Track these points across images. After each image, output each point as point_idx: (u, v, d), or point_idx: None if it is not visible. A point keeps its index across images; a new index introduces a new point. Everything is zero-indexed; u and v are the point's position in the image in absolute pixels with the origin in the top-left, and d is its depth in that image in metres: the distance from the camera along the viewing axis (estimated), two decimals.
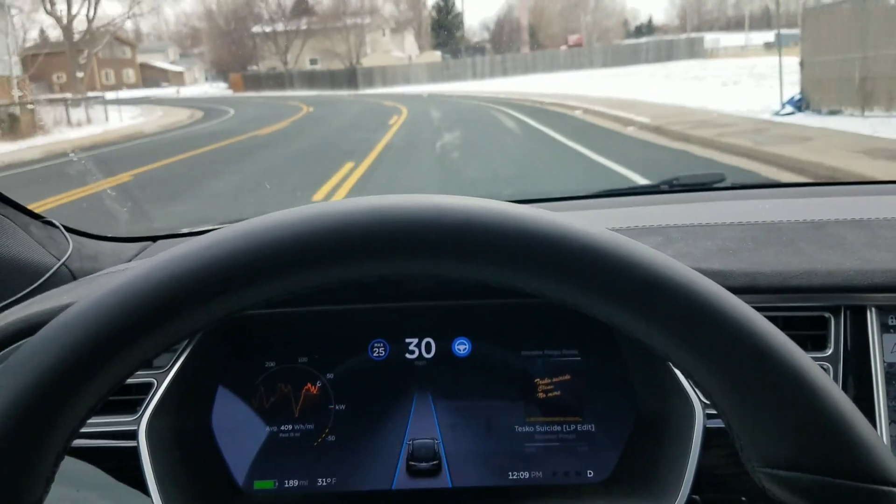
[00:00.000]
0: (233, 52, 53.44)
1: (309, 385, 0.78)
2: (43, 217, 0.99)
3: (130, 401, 0.72)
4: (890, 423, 0.70)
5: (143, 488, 0.64)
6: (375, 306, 0.78)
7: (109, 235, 1.09)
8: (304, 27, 51.12)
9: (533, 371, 0.79)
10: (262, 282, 0.36)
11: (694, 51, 40.94)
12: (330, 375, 0.79)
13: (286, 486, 0.75)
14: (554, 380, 0.78)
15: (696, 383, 0.35)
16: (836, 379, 0.71)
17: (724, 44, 43.22)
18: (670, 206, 1.08)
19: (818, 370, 0.34)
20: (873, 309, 0.73)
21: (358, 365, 0.79)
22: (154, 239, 1.11)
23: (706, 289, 0.34)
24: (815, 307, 0.73)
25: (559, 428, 0.77)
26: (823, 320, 0.73)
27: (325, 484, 0.75)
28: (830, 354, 0.72)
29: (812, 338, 0.74)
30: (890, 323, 0.72)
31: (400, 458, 0.75)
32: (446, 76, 39.84)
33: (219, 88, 45.89)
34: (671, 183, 1.20)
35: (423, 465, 0.74)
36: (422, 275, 0.37)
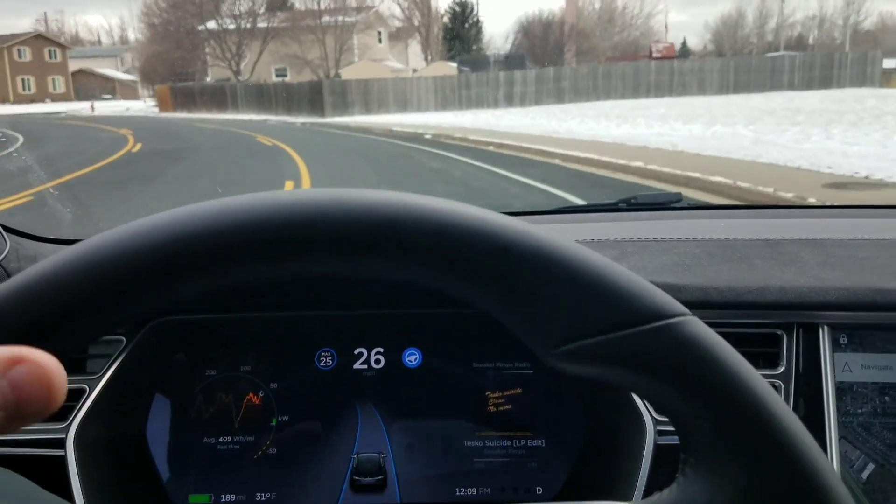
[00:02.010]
0: (166, 56, 38.98)
1: (251, 395, 0.76)
2: None
3: (61, 408, 0.67)
4: (840, 439, 0.70)
5: (71, 500, 0.62)
6: (323, 313, 0.77)
7: (51, 237, 1.05)
8: (263, 24, 36.67)
9: (484, 384, 0.77)
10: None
11: (864, 74, 27.01)
12: (273, 385, 0.77)
13: (223, 500, 0.73)
14: (505, 393, 0.77)
15: (474, 303, 0.36)
16: (787, 397, 0.72)
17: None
18: (627, 223, 1.07)
19: (566, 246, 0.35)
20: (825, 327, 0.73)
21: (303, 375, 0.77)
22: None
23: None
24: (768, 324, 0.74)
25: (509, 443, 0.76)
26: (776, 337, 0.74)
27: (264, 499, 0.73)
28: (782, 372, 0.73)
29: (764, 355, 0.74)
30: (841, 342, 0.73)
31: (346, 474, 0.73)
32: (465, 99, 25.53)
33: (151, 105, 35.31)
34: (629, 202, 1.19)
35: (368, 479, 0.72)
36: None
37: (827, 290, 0.72)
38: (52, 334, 0.32)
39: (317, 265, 0.35)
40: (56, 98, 48.34)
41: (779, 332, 0.73)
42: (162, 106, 32.88)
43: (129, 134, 16.15)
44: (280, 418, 0.75)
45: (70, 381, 0.65)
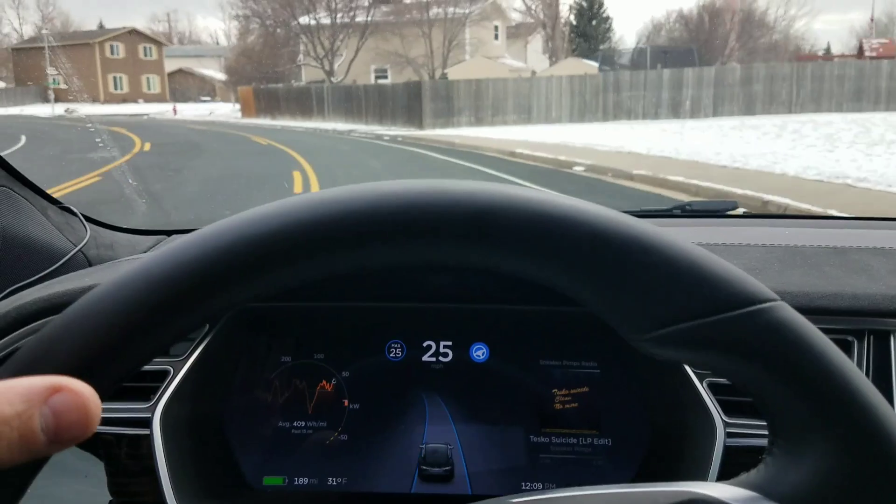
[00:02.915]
0: (255, 54, 34.81)
1: (324, 382, 0.78)
2: (61, 203, 1.01)
3: (145, 388, 0.71)
4: None
5: (153, 479, 0.65)
6: (394, 305, 0.78)
7: (125, 227, 1.10)
8: (362, 18, 31.69)
9: (550, 381, 0.78)
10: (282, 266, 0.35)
11: None
12: (345, 374, 0.79)
13: (296, 483, 0.75)
14: (571, 391, 0.78)
15: (562, 289, 0.37)
16: None
17: None
18: (686, 228, 1.07)
19: (659, 234, 0.36)
20: None
21: (374, 365, 0.79)
22: (168, 233, 1.12)
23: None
24: (840, 329, 0.73)
25: (575, 440, 0.76)
26: (847, 343, 0.73)
27: (335, 483, 0.75)
28: None
29: None
30: None
31: (416, 463, 0.75)
32: (611, 107, 19.24)
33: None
34: (683, 208, 1.20)
35: (437, 470, 0.74)
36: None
37: None
38: (121, 354, 0.33)
39: (412, 254, 0.36)
40: (150, 98, 45.17)
41: (850, 338, 0.73)
42: (245, 110, 28.67)
43: (141, 143, 12.98)
44: (351, 406, 0.77)
45: (155, 363, 0.70)
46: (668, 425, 0.73)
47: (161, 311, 0.34)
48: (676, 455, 0.70)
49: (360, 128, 19.74)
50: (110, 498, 0.72)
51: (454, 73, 28.36)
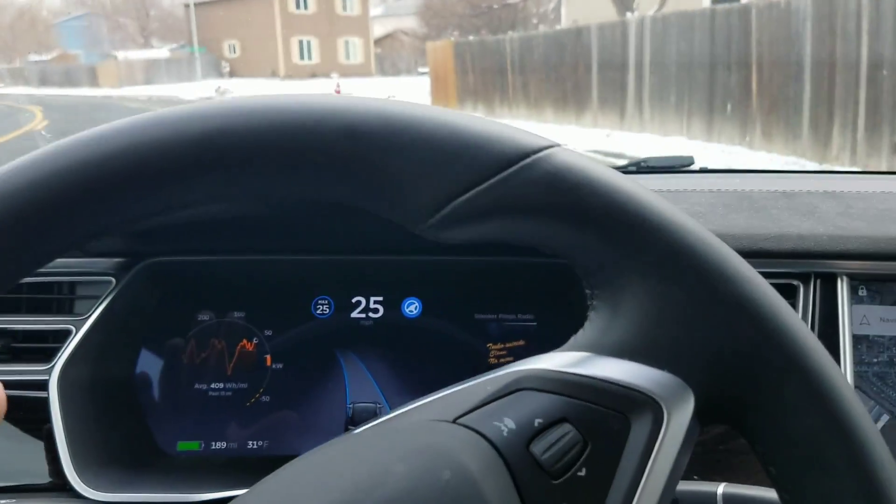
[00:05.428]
0: None
1: (245, 341, 0.76)
2: None
3: (46, 349, 0.69)
4: (854, 389, 0.68)
5: (52, 446, 0.64)
6: (321, 258, 0.76)
7: None
8: None
9: (485, 335, 0.76)
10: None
11: None
12: (268, 332, 0.77)
13: (213, 447, 0.73)
14: (507, 345, 0.76)
15: (340, 199, 0.35)
16: None
17: None
18: (641, 180, 1.05)
19: (410, 114, 0.33)
20: (844, 278, 0.71)
21: (299, 322, 0.77)
22: None
23: None
24: (785, 273, 0.72)
25: None
26: (792, 288, 0.72)
27: (256, 447, 0.73)
28: None
29: None
30: (860, 293, 0.72)
31: (343, 423, 0.73)
32: None
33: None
34: (639, 164, 1.16)
35: None
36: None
37: (847, 239, 0.71)
38: None
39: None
40: (348, 71, 32.53)
41: (795, 282, 0.72)
42: (438, 89, 14.68)
43: None
44: (275, 366, 0.75)
45: (56, 322, 0.70)
46: None
47: None
48: None
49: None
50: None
51: None
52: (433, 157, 0.32)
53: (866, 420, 0.32)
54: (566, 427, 0.31)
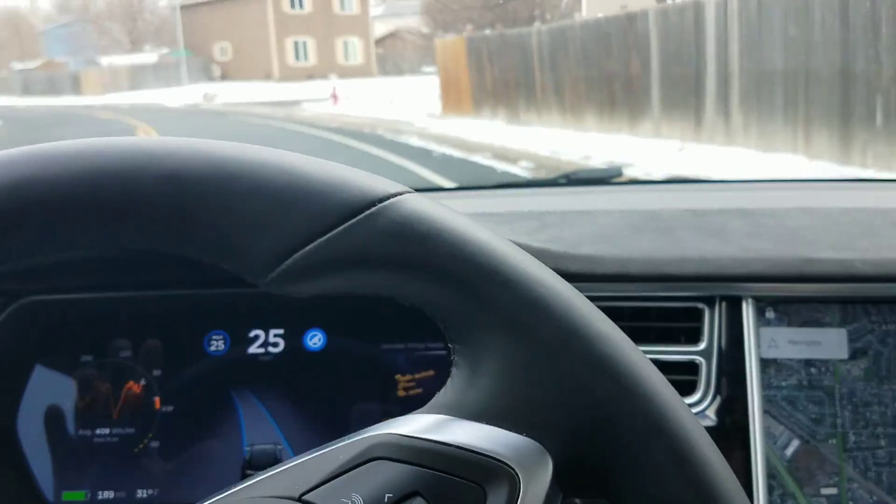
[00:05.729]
0: None
1: (131, 383, 0.73)
2: None
3: None
4: (763, 414, 0.69)
5: None
6: (214, 292, 0.73)
7: None
8: None
9: (393, 366, 0.73)
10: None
11: None
12: (157, 372, 0.73)
13: (99, 497, 0.71)
14: (416, 376, 0.73)
15: (179, 251, 0.32)
16: (709, 374, 0.69)
17: None
18: (559, 197, 1.05)
19: (245, 161, 0.31)
20: (750, 300, 0.70)
21: (191, 360, 0.73)
22: None
23: None
24: (689, 297, 0.71)
25: None
26: (697, 311, 0.71)
27: (146, 496, 0.71)
28: (704, 348, 0.70)
29: (687, 330, 0.71)
30: (767, 316, 0.70)
31: (241, 466, 0.70)
32: None
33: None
34: (569, 176, 1.17)
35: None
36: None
37: (751, 261, 0.70)
38: None
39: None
40: (347, 72, 30.65)
41: (700, 305, 0.71)
42: (447, 95, 12.68)
43: None
44: (164, 408, 0.72)
45: None
46: None
47: None
48: None
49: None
50: None
51: None
52: (268, 207, 0.30)
53: (733, 484, 0.30)
54: (418, 502, 0.29)
